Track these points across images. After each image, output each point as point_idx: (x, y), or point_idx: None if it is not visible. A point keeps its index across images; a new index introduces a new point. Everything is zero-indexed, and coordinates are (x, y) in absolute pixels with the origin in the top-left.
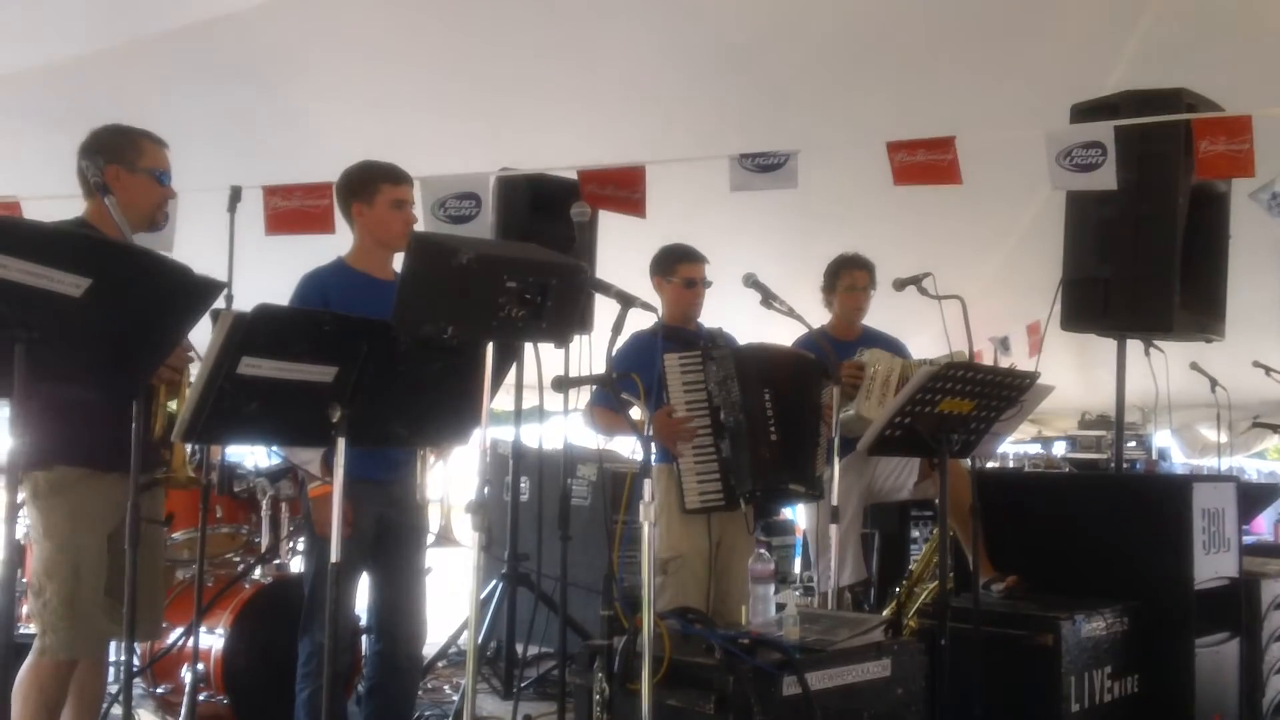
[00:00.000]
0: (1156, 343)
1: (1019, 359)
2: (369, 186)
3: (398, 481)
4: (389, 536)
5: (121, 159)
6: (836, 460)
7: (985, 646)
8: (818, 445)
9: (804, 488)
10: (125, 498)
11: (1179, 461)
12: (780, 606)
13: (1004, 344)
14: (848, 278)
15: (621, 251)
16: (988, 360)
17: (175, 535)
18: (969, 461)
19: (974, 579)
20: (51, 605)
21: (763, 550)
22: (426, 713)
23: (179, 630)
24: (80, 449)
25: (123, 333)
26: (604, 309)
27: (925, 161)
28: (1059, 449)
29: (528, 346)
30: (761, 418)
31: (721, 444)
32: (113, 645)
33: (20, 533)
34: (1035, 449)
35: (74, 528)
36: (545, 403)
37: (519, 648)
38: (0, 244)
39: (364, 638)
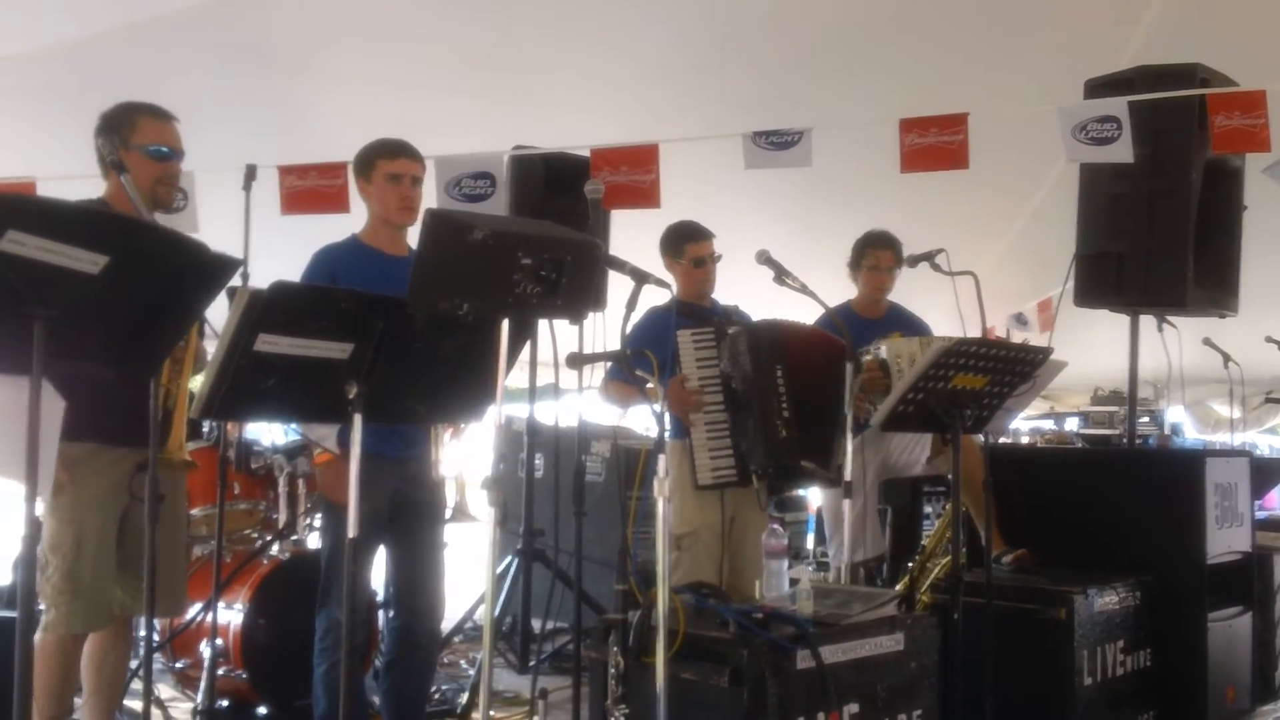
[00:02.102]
0: (1169, 318)
1: (1033, 335)
2: (369, 162)
3: (414, 458)
4: (406, 512)
5: (116, 136)
6: (850, 436)
7: (998, 621)
8: (836, 428)
9: (815, 465)
10: (132, 472)
11: (1191, 437)
12: (794, 581)
13: (1018, 320)
14: (872, 257)
15: (636, 229)
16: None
17: (194, 512)
18: (981, 437)
19: (986, 554)
20: (53, 580)
21: (776, 525)
22: (443, 686)
23: (198, 606)
24: (88, 424)
25: (140, 310)
26: (618, 286)
27: (934, 144)
28: (1071, 424)
29: (542, 323)
30: (774, 394)
31: (734, 420)
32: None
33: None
34: (1048, 424)
35: (77, 502)
36: (560, 379)
37: (534, 622)
38: (18, 222)
39: (380, 612)
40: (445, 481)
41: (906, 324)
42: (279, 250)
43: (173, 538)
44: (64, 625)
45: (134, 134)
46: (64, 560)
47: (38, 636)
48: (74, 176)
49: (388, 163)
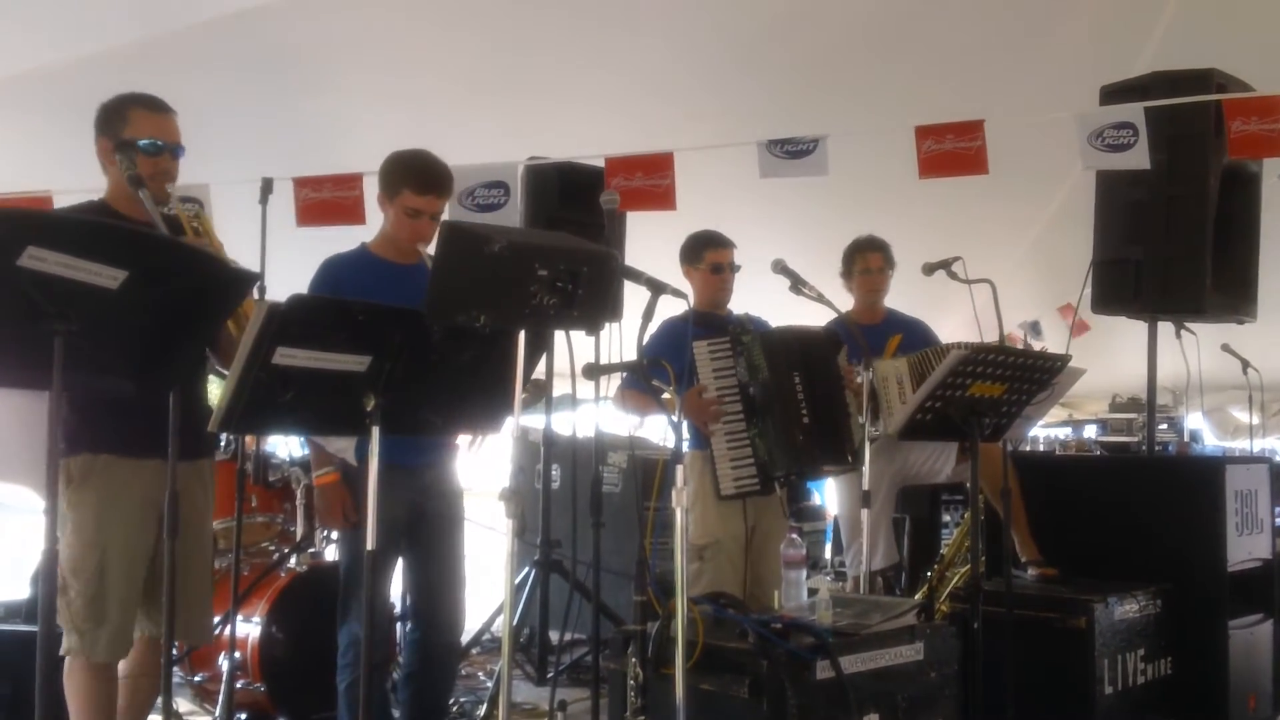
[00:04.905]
0: (1187, 324)
1: (1051, 343)
2: (393, 184)
3: (430, 467)
4: (424, 524)
5: (109, 131)
6: (868, 445)
7: (1018, 629)
8: (848, 415)
9: (838, 467)
10: (165, 486)
11: (1211, 444)
12: (812, 591)
13: (1035, 328)
14: (862, 260)
15: (651, 239)
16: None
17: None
18: (1001, 444)
19: (1005, 562)
20: (75, 606)
21: (794, 535)
22: (461, 699)
23: (216, 619)
24: (107, 434)
25: (159, 324)
26: (634, 296)
27: (952, 150)
28: (1090, 432)
29: (559, 334)
30: (792, 401)
31: (754, 429)
32: None
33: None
34: (1066, 432)
35: (100, 523)
36: (577, 390)
37: (552, 634)
38: (39, 238)
39: (399, 624)
40: (463, 491)
41: (904, 326)
42: (296, 264)
43: (200, 563)
44: (89, 653)
45: (126, 128)
46: (87, 586)
47: (68, 664)
48: (92, 191)
49: (413, 196)
